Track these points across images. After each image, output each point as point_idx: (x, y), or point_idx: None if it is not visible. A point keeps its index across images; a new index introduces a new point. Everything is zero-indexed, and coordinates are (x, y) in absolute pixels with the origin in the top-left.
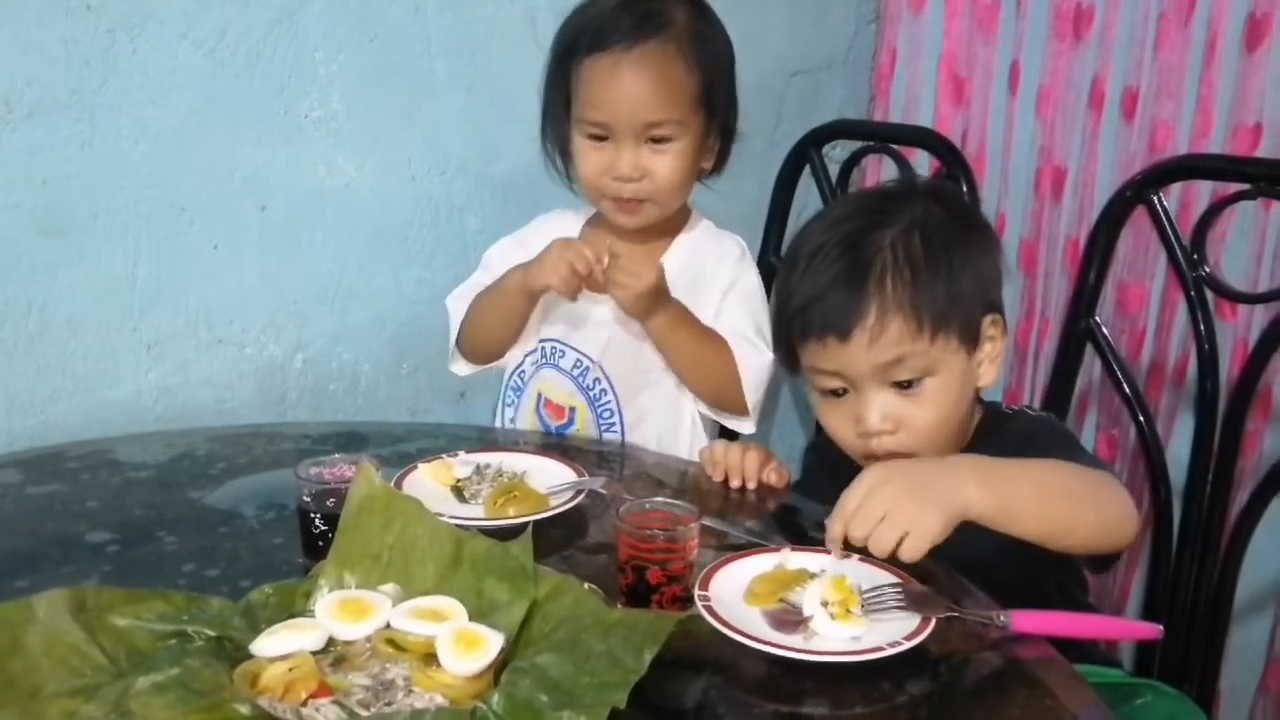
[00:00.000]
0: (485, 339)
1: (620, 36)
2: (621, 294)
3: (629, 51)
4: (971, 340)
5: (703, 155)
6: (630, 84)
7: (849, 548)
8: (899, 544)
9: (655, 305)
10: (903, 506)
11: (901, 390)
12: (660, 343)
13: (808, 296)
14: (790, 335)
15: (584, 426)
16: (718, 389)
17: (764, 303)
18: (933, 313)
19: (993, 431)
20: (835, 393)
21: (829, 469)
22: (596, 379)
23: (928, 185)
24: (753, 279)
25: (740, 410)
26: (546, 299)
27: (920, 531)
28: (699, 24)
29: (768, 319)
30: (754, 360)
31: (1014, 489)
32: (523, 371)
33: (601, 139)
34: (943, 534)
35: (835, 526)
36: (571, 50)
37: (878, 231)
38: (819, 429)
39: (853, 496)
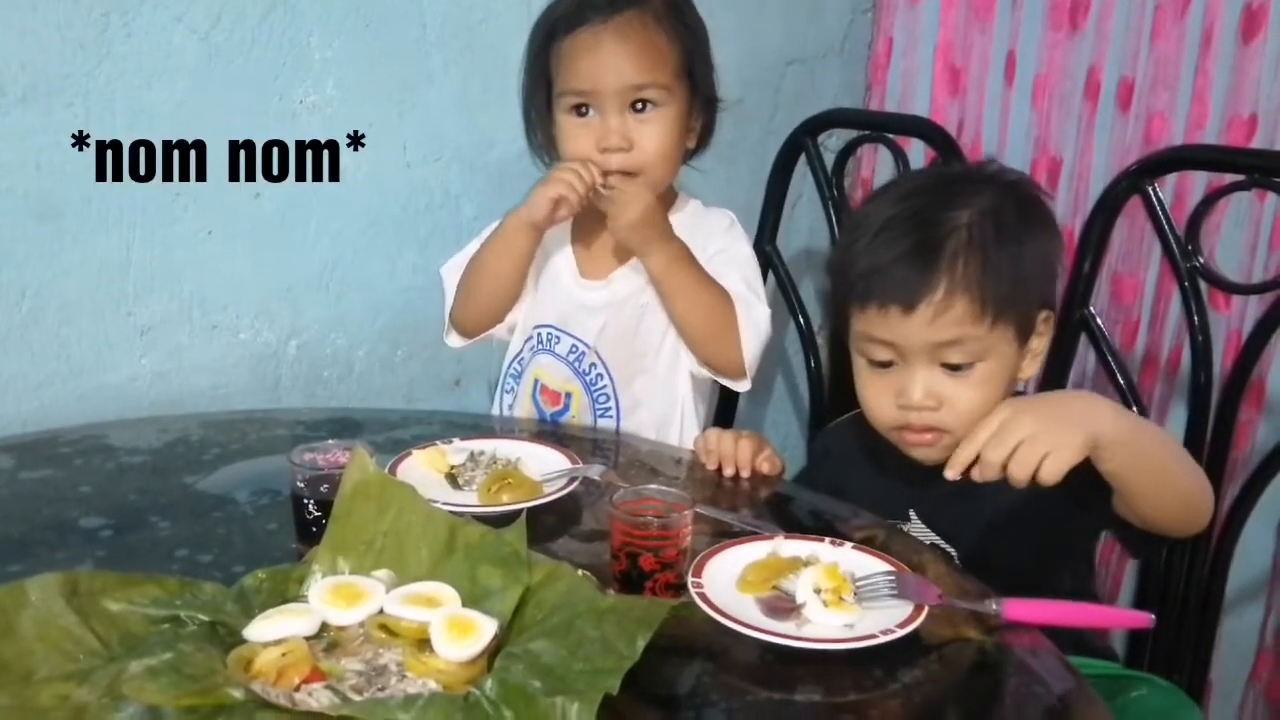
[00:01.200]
0: (484, 295)
1: (597, 11)
2: (616, 222)
3: (608, 22)
4: (1025, 332)
5: (687, 132)
6: (612, 51)
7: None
8: (1038, 467)
9: (652, 237)
10: (1042, 430)
11: (950, 370)
12: (660, 281)
13: (874, 265)
14: (849, 300)
15: (580, 412)
16: (717, 340)
17: (755, 266)
18: (997, 299)
19: None
20: (882, 364)
21: (847, 452)
22: (593, 364)
23: (1006, 173)
24: (743, 246)
25: (736, 365)
26: (539, 284)
27: (1061, 450)
28: None
29: (760, 281)
30: (751, 312)
31: (1142, 429)
32: (520, 358)
33: (585, 113)
34: (1081, 455)
35: (965, 450)
36: (550, 36)
37: (953, 211)
38: (829, 415)
39: (987, 425)
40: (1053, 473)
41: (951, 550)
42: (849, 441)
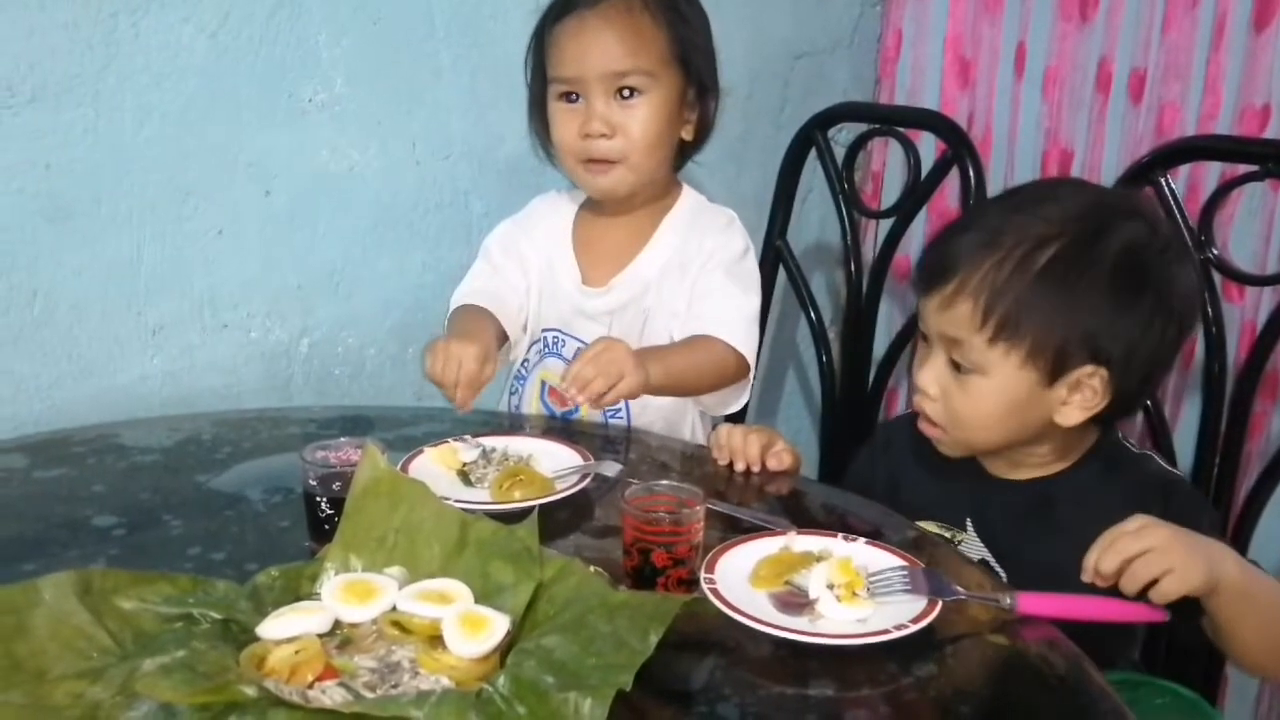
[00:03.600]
0: None
1: None
2: (615, 395)
3: (594, 8)
4: (1051, 372)
5: (679, 120)
6: (596, 37)
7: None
8: (1154, 582)
9: (647, 377)
10: (1173, 548)
11: (957, 370)
12: (660, 392)
13: (930, 242)
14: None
15: (588, 412)
16: (719, 377)
17: (750, 261)
18: (1003, 319)
19: (1112, 468)
20: (924, 336)
21: (909, 446)
22: None
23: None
24: (737, 242)
25: (742, 372)
26: (543, 288)
27: (1184, 574)
28: None
29: (753, 273)
30: (737, 312)
31: (1260, 583)
32: (527, 361)
33: (574, 99)
34: (1201, 587)
35: (1093, 553)
36: (544, 26)
37: (1028, 223)
38: (841, 410)
39: (1120, 529)
40: (1167, 592)
41: (1000, 571)
42: (912, 436)
